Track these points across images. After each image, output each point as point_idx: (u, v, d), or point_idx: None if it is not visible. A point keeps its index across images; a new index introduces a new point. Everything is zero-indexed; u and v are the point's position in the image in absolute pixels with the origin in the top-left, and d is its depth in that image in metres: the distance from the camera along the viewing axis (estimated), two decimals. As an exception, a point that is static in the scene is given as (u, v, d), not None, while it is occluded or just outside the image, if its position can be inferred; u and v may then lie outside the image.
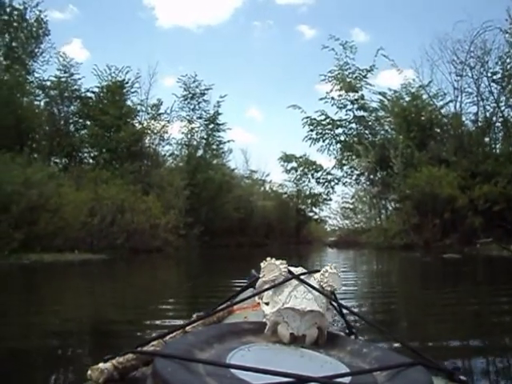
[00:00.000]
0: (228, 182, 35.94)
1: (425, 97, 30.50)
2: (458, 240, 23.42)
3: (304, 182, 39.52)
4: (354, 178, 33.60)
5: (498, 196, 23.40)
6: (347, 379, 1.16)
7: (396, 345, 1.69)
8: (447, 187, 23.82)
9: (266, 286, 1.57)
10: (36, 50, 30.08)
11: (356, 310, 4.62)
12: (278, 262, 1.59)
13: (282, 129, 58.22)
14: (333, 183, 36.28)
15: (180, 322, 1.79)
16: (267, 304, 1.54)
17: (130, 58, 49.24)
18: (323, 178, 36.79)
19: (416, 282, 10.40)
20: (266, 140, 61.16)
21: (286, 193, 41.17)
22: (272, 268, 1.58)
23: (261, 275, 1.61)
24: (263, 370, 1.08)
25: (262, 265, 1.62)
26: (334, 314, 1.64)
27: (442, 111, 30.21)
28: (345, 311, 1.74)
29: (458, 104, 29.58)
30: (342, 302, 1.71)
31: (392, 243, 24.63)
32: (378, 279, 11.44)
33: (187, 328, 1.59)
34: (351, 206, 32.68)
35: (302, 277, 1.57)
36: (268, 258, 1.61)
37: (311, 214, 42.46)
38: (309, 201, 41.01)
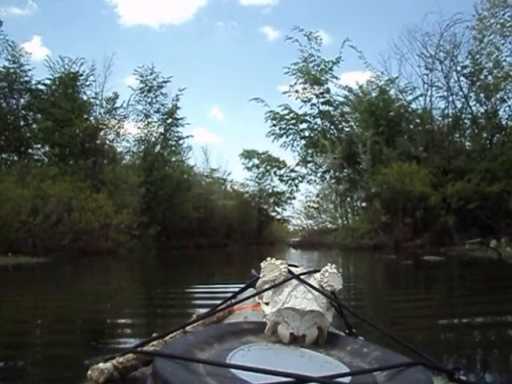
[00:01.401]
0: (187, 180, 34.42)
1: (393, 91, 29.36)
2: (430, 240, 22.21)
3: (266, 180, 38.10)
4: (318, 175, 32.24)
5: (472, 193, 22.24)
6: (347, 379, 1.16)
7: (396, 345, 1.47)
8: (419, 184, 22.52)
9: (266, 286, 1.55)
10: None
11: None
12: (278, 262, 1.57)
13: (245, 129, 57.69)
14: (297, 181, 34.80)
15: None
16: (267, 304, 1.52)
17: (90, 55, 47.38)
18: (287, 176, 35.24)
19: (401, 289, 8.79)
20: (228, 140, 60.69)
21: (247, 192, 39.59)
22: (272, 268, 1.56)
23: (261, 275, 1.60)
24: (263, 370, 1.07)
25: (262, 265, 1.60)
26: (334, 313, 1.60)
27: (412, 106, 29.03)
28: (345, 311, 1.71)
29: (427, 98, 28.46)
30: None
31: (360, 244, 23.20)
32: (352, 286, 9.64)
33: (187, 328, 1.56)
34: (316, 205, 31.18)
35: (301, 277, 1.55)
36: (268, 258, 1.59)
37: (273, 214, 41.32)
38: (271, 200, 39.61)
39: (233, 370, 1.13)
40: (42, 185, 21.43)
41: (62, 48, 49.53)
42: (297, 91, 31.44)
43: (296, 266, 1.66)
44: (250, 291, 1.79)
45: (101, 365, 1.21)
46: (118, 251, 22.67)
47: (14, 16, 41.72)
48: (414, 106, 29.02)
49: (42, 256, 18.27)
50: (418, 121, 28.10)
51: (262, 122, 32.75)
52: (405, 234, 22.78)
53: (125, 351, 1.27)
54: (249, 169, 37.94)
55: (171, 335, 1.48)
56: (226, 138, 58.58)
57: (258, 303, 1.67)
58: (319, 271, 1.59)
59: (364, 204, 28.21)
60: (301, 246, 31.40)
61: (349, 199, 28.92)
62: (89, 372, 1.20)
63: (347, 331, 1.75)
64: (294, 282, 1.53)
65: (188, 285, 9.61)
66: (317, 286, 1.52)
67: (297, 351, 1.37)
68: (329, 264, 1.60)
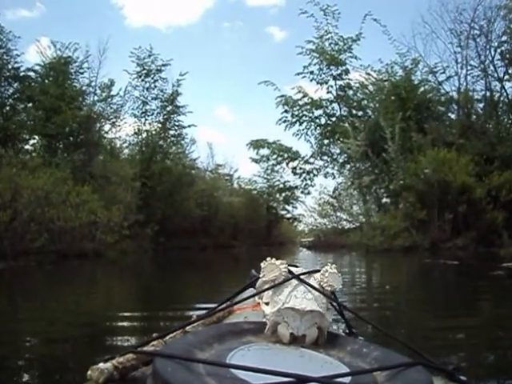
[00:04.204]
0: (189, 175, 31.21)
1: (423, 70, 25.93)
2: (472, 240, 18.79)
3: (276, 175, 34.48)
4: (336, 168, 28.77)
5: (523, 185, 18.80)
6: (347, 379, 1.16)
7: (396, 345, 1.45)
8: (460, 174, 19.03)
9: (266, 286, 1.56)
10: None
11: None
12: (278, 262, 1.57)
13: (251, 129, 58.37)
14: (312, 174, 31.11)
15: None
16: (267, 304, 1.53)
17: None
18: (300, 168, 31.52)
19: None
20: (235, 139, 61.59)
21: (255, 189, 36.22)
22: (272, 268, 1.56)
23: (261, 275, 1.60)
24: (263, 370, 1.08)
25: (262, 265, 1.60)
26: (333, 313, 1.61)
27: (442, 88, 25.54)
28: (345, 311, 1.73)
29: (462, 79, 24.99)
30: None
31: (393, 244, 19.74)
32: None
33: (187, 328, 1.57)
34: (334, 201, 27.74)
35: (301, 277, 1.55)
36: (268, 258, 1.59)
37: (283, 213, 37.94)
38: (281, 197, 36.23)
39: (233, 370, 1.12)
40: (15, 177, 18.15)
41: (68, 48, 48.00)
42: (311, 72, 28.00)
43: (296, 266, 1.64)
44: (250, 291, 1.78)
45: (101, 365, 1.20)
46: (107, 253, 19.50)
47: (22, 18, 41.03)
48: (446, 87, 25.66)
49: (10, 260, 15.26)
50: (452, 103, 24.62)
51: (271, 121, 29.84)
52: (443, 232, 19.34)
53: (125, 351, 1.26)
54: (257, 161, 34.14)
55: (171, 335, 1.47)
56: (233, 138, 58.33)
57: (258, 303, 1.65)
58: (319, 271, 1.57)
59: (387, 199, 24.97)
60: (314, 247, 29.04)
61: (374, 193, 25.39)
62: (89, 372, 1.18)
63: (347, 331, 1.77)
64: (294, 281, 1.51)
65: (190, 304, 6.82)
66: (317, 286, 1.51)
67: (297, 351, 1.37)
68: (329, 264, 1.57)
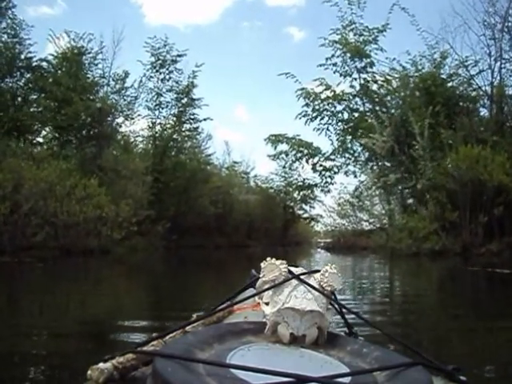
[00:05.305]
0: (204, 170, 30.15)
1: (452, 64, 24.43)
2: (508, 245, 17.32)
3: (294, 173, 33.14)
4: (357, 166, 27.38)
5: None
6: (347, 379, 1.15)
7: (396, 345, 1.57)
8: (497, 173, 17.52)
9: (266, 286, 1.55)
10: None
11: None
12: (278, 262, 1.56)
13: (269, 127, 58.76)
14: (332, 172, 29.68)
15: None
16: (267, 304, 1.51)
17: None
18: (320, 165, 30.05)
19: None
20: (252, 138, 62.54)
21: (272, 187, 35.10)
22: (272, 268, 1.55)
23: (261, 275, 1.58)
24: (263, 370, 1.07)
25: (262, 265, 1.58)
26: (333, 313, 1.59)
27: (473, 82, 23.98)
28: (345, 311, 1.72)
29: (495, 73, 23.41)
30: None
31: (422, 248, 18.30)
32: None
33: (187, 328, 1.56)
34: (354, 201, 26.36)
35: (301, 277, 1.53)
36: (268, 258, 1.58)
37: (300, 212, 36.73)
38: (298, 197, 34.97)
39: (233, 370, 1.12)
40: (19, 167, 17.09)
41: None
42: (334, 64, 26.59)
43: (296, 266, 1.62)
44: (250, 291, 1.77)
45: (101, 365, 1.19)
46: (113, 250, 18.54)
47: (43, 15, 41.64)
48: (476, 81, 24.11)
49: (7, 255, 14.24)
50: (484, 99, 23.13)
51: (289, 121, 28.88)
52: (475, 236, 17.88)
53: (125, 351, 1.25)
54: (275, 157, 32.81)
55: (171, 335, 1.46)
56: (250, 137, 59.15)
57: (258, 303, 1.64)
58: (319, 271, 1.55)
59: (412, 199, 23.51)
60: (333, 248, 27.87)
61: (399, 192, 23.92)
62: (89, 372, 1.18)
63: (347, 331, 1.74)
64: (294, 282, 1.50)
65: (202, 305, 5.74)
66: (317, 286, 1.49)
67: (297, 351, 1.36)
68: (329, 264, 1.55)
